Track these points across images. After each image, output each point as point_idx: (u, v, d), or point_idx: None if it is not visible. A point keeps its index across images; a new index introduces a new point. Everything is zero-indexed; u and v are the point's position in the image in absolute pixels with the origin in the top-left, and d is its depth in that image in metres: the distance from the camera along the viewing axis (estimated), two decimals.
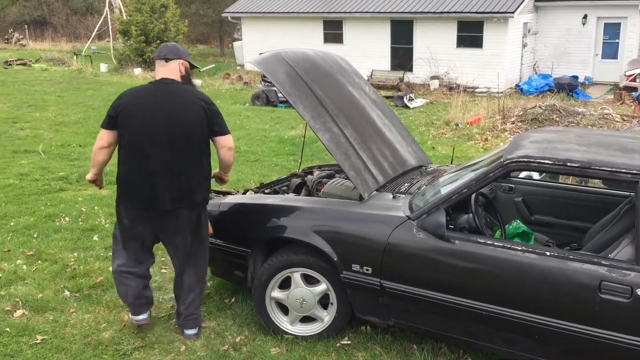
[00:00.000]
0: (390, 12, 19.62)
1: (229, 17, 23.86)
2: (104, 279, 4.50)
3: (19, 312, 3.97)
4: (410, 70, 19.61)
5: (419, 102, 15.96)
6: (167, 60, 3.58)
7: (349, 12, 20.43)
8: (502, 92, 17.26)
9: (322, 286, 3.60)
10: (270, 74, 3.79)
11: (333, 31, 21.26)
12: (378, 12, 19.85)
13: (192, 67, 3.71)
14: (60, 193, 6.68)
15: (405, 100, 15.51)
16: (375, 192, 3.71)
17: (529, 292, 2.99)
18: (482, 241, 3.12)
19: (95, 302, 4.16)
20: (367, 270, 3.37)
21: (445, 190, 3.40)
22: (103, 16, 28.64)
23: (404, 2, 19.71)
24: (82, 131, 10.76)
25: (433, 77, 18.97)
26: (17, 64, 23.58)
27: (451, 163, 4.78)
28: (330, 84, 4.11)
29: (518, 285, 3.01)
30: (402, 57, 19.94)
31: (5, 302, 4.10)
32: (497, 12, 17.62)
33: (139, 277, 3.71)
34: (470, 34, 18.60)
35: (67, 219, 5.78)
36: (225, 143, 3.56)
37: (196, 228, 3.63)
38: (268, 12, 22.13)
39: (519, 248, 3.04)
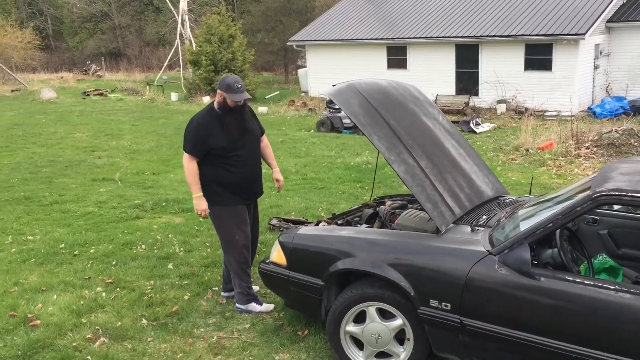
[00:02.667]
0: (454, 37, 19.47)
1: (294, 45, 24.32)
2: (179, 307, 4.57)
3: (100, 341, 4.07)
4: (476, 94, 19.32)
5: (485, 126, 15.64)
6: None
7: (413, 38, 20.41)
8: (573, 116, 16.71)
9: (398, 321, 3.51)
10: (345, 106, 3.80)
11: (397, 57, 21.28)
12: (442, 37, 19.73)
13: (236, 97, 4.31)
14: (136, 221, 6.89)
15: (472, 125, 15.25)
16: (452, 224, 3.62)
17: (623, 335, 2.80)
18: (571, 279, 2.96)
19: (171, 332, 4.22)
20: (446, 306, 3.27)
21: (527, 224, 3.27)
22: (174, 47, 29.81)
23: (469, 26, 19.53)
24: (155, 159, 11.14)
25: (500, 101, 18.59)
26: (94, 94, 24.78)
27: (529, 194, 4.61)
28: (403, 114, 4.07)
29: (610, 327, 2.84)
30: (467, 81, 19.70)
31: (86, 330, 4.22)
32: (568, 34, 17.16)
33: None
34: (538, 56, 18.17)
35: (143, 246, 5.95)
36: None
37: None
38: (332, 40, 22.41)
39: (612, 287, 2.86)
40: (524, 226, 3.27)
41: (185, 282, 5.06)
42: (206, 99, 22.28)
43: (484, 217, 3.74)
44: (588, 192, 3.05)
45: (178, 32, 29.78)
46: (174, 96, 23.63)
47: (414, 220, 3.97)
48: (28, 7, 49.08)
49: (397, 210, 4.33)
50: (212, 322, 4.38)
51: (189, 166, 4.33)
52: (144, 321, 4.36)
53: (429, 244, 3.46)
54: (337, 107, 15.92)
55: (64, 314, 4.45)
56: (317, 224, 4.26)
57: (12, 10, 44.90)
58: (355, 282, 3.67)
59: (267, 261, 4.14)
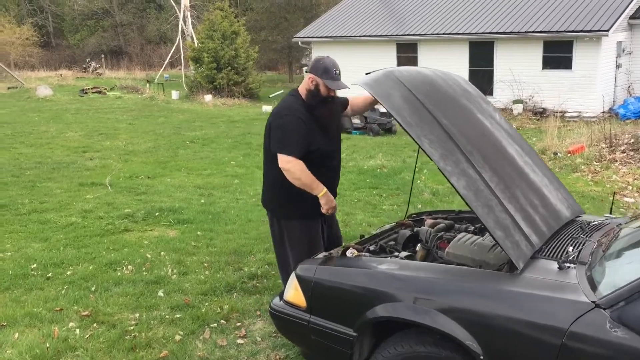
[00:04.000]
0: (468, 33, 18.54)
1: (300, 42, 23.42)
2: (169, 352, 3.66)
3: None
4: (491, 93, 18.38)
5: None
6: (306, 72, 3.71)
7: (425, 34, 19.49)
8: (595, 117, 15.82)
9: None
10: (384, 99, 2.90)
11: (407, 54, 20.35)
12: (455, 34, 18.81)
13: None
14: (124, 234, 5.98)
15: None
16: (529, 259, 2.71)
17: None
18: None
19: None
20: None
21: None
22: (175, 44, 28.93)
23: (484, 22, 18.60)
24: (152, 161, 10.25)
25: (516, 101, 17.67)
26: (92, 92, 23.91)
27: (610, 213, 3.69)
28: (456, 112, 3.17)
29: None
30: (481, 80, 18.71)
31: None
32: (590, 31, 16.22)
33: None
34: (558, 54, 17.23)
35: (129, 267, 5.03)
36: (278, 161, 3.52)
37: (277, 235, 3.80)
38: (339, 36, 21.50)
39: None
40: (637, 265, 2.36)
41: (178, 316, 4.15)
42: (208, 98, 21.37)
43: (571, 248, 2.82)
44: None
45: (180, 28, 28.92)
46: (174, 94, 22.74)
47: (470, 249, 3.06)
48: (29, 3, 48.24)
49: (444, 234, 3.42)
50: None
51: (298, 165, 3.48)
52: None
53: (503, 288, 2.55)
54: None
55: None
56: (343, 252, 3.35)
57: (11, 7, 44.03)
58: (399, 333, 2.77)
59: (281, 300, 3.24)
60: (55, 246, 5.59)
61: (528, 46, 17.64)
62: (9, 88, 25.70)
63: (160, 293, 4.53)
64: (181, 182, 8.58)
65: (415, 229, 3.79)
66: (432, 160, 2.76)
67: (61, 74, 33.13)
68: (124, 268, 5.02)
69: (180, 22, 28.82)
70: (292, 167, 3.46)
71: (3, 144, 11.53)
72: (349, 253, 3.31)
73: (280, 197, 3.71)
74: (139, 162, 10.17)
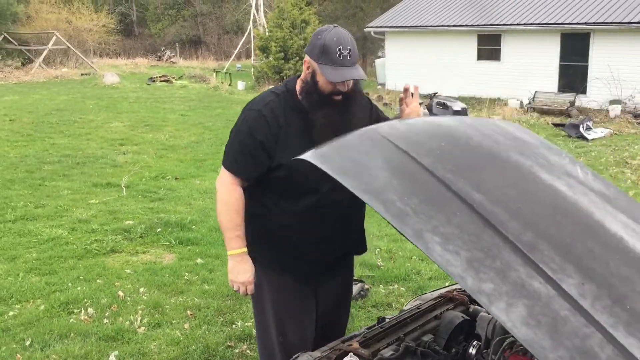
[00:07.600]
0: (560, 24, 16.43)
1: (372, 32, 21.92)
2: None
3: None
4: (584, 92, 16.21)
5: (599, 132, 12.68)
6: None
7: (510, 24, 17.50)
8: None
9: None
10: (346, 176, 1.52)
11: (489, 47, 18.44)
12: (546, 24, 16.73)
13: None
14: (107, 257, 4.84)
15: (582, 130, 12.34)
16: None
17: None
18: None
19: None
20: None
21: None
22: (247, 33, 28.22)
23: (579, 12, 16.42)
24: (188, 158, 9.20)
25: (613, 102, 15.43)
26: (160, 81, 23.55)
27: None
28: (501, 177, 1.75)
29: None
30: (573, 77, 16.59)
31: None
32: None
33: None
34: None
35: (89, 310, 3.85)
36: None
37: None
38: (414, 26, 19.84)
39: None
40: None
41: None
42: None
43: None
44: None
45: (251, 17, 28.16)
46: (240, 85, 21.89)
47: None
48: None
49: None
50: None
51: (226, 195, 2.28)
52: None
53: None
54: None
55: None
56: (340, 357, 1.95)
57: None
58: None
59: None
60: (16, 270, 4.49)
61: (631, 38, 15.38)
62: (82, 74, 25.85)
63: (112, 357, 3.32)
64: (210, 186, 7.43)
65: (472, 307, 2.37)
66: (450, 275, 1.34)
67: (136, 63, 33.29)
68: (83, 311, 3.83)
69: (253, 10, 28.07)
70: (221, 189, 2.29)
71: (40, 134, 10.84)
72: None
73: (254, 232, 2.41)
74: (174, 159, 9.14)
